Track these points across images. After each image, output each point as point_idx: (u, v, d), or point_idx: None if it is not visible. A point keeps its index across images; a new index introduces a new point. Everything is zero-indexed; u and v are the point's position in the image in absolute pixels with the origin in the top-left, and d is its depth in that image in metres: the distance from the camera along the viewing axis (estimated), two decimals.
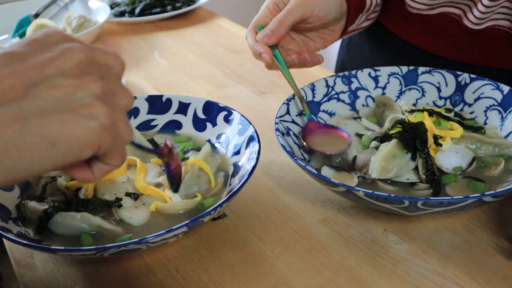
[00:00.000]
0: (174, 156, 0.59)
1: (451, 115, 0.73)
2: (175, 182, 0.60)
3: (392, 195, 0.55)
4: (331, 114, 0.78)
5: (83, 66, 0.39)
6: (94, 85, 0.39)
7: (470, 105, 0.77)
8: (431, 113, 0.71)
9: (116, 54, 0.43)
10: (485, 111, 0.75)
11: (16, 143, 0.36)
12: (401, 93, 0.80)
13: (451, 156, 0.65)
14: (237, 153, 0.69)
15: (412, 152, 0.64)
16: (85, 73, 0.39)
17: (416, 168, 0.65)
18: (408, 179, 0.64)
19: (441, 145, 0.65)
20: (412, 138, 0.65)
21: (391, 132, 0.68)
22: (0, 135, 0.35)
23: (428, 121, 0.68)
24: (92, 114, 0.38)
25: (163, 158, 0.58)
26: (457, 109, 0.77)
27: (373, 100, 0.81)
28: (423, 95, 0.80)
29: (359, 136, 0.72)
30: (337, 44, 1.06)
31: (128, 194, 0.62)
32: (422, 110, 0.71)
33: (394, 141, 0.65)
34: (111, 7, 1.43)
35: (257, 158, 0.63)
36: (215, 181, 0.65)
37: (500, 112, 0.74)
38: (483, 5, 0.78)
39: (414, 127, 0.66)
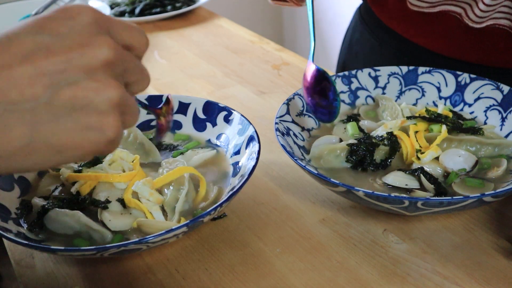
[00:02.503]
0: (169, 116, 0.57)
1: (450, 115, 0.73)
2: (159, 137, 0.58)
3: (392, 195, 0.55)
4: None
5: (108, 66, 0.38)
6: (113, 93, 0.38)
7: (470, 105, 0.77)
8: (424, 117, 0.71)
9: (140, 32, 0.42)
10: (485, 111, 0.75)
11: (23, 148, 0.36)
12: (401, 93, 0.80)
13: (454, 159, 0.65)
14: (237, 153, 0.69)
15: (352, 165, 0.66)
16: (108, 74, 0.38)
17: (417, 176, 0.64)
18: (406, 184, 0.63)
19: (419, 158, 0.66)
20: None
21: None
22: (9, 138, 0.35)
23: (411, 137, 0.68)
24: (102, 126, 0.38)
25: (158, 118, 0.56)
26: (457, 109, 0.77)
27: (373, 100, 0.81)
28: (423, 95, 0.80)
29: (349, 119, 0.73)
30: (338, 44, 1.06)
31: (119, 200, 0.61)
32: (417, 116, 0.71)
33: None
34: (111, 7, 1.43)
35: (257, 158, 0.63)
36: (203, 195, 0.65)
37: (500, 112, 0.74)
38: (484, 3, 0.78)
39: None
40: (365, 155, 0.66)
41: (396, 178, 0.63)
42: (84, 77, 0.37)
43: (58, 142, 0.37)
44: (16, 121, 0.35)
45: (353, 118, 0.74)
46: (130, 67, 0.40)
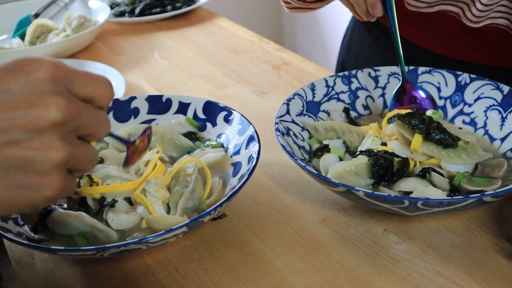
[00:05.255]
0: (141, 151, 0.55)
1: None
2: (126, 165, 0.56)
3: (392, 195, 0.55)
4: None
5: (56, 126, 0.37)
6: (56, 154, 0.37)
7: (470, 105, 0.77)
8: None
9: (104, 84, 0.41)
10: (485, 111, 0.75)
11: None
12: None
13: (453, 166, 0.65)
14: (237, 153, 0.69)
15: (376, 180, 0.64)
16: (55, 134, 0.37)
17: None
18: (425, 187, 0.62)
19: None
20: (386, 169, 0.64)
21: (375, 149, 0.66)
22: None
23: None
24: (40, 186, 0.37)
25: (128, 149, 0.54)
26: (457, 109, 0.77)
27: (373, 100, 0.81)
28: None
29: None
30: (337, 44, 1.06)
31: (125, 198, 0.62)
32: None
33: (365, 161, 0.64)
34: (111, 7, 1.43)
35: (257, 158, 0.63)
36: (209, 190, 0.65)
37: (500, 112, 0.73)
38: (481, 3, 0.78)
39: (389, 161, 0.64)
40: (387, 166, 0.63)
41: (410, 184, 0.62)
42: (27, 137, 0.36)
43: None
44: None
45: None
46: (84, 122, 0.40)
